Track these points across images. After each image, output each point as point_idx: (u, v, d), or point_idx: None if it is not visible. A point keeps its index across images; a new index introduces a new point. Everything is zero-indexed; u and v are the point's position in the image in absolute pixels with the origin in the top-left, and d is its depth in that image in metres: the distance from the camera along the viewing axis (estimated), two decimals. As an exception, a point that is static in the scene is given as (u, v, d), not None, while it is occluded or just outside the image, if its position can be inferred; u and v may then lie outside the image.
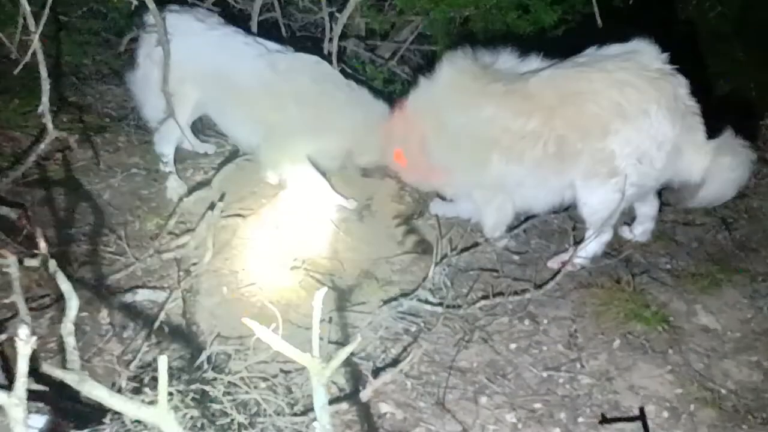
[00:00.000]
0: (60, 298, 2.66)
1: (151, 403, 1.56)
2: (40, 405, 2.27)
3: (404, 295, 3.05)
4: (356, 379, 2.67)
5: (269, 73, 3.47)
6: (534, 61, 3.19)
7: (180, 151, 3.84)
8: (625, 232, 3.48)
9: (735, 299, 3.16)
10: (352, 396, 2.57)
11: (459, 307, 3.02)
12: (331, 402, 2.42)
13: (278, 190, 3.55)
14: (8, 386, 1.45)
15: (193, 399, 2.26)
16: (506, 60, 3.22)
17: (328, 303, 2.96)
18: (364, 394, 2.55)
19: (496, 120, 3.10)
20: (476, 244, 3.41)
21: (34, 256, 2.38)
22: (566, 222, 3.57)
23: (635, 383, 2.75)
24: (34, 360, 1.42)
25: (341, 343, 2.78)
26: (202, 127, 4.05)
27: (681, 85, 3.05)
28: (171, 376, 2.30)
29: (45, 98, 2.95)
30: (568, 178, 3.12)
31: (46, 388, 2.36)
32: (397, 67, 4.31)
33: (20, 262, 2.32)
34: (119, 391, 2.32)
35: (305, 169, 3.53)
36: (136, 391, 2.33)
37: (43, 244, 2.32)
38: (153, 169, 3.73)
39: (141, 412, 1.51)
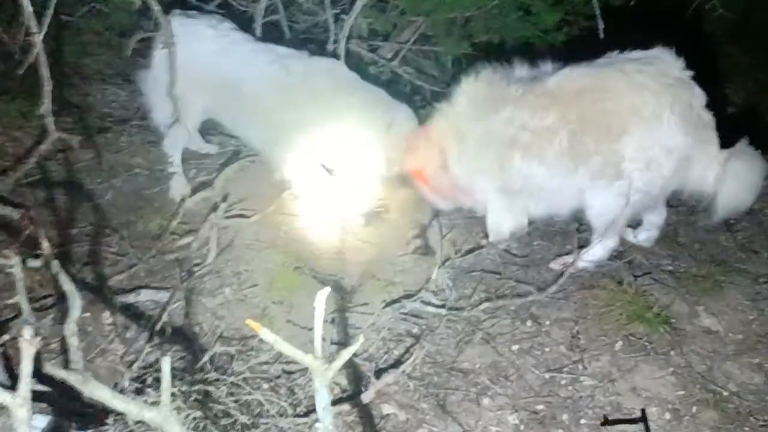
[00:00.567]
0: (62, 299, 2.67)
1: (154, 403, 1.56)
2: (43, 406, 2.27)
3: (407, 296, 3.05)
4: (358, 380, 2.67)
5: (285, 78, 3.43)
6: (548, 68, 3.20)
7: (183, 151, 3.84)
8: (629, 236, 3.48)
9: (737, 301, 3.16)
10: (354, 397, 2.57)
11: (462, 309, 3.02)
12: (334, 403, 2.42)
13: (281, 191, 3.54)
14: (11, 387, 1.46)
15: (195, 400, 2.26)
16: (521, 70, 3.24)
17: (331, 304, 2.96)
18: (367, 395, 2.55)
19: (514, 120, 3.11)
20: (479, 246, 3.41)
21: (37, 256, 2.39)
22: (569, 224, 3.56)
23: (637, 385, 2.74)
24: (37, 361, 1.41)
25: (343, 344, 2.78)
26: (204, 127, 4.04)
27: (697, 96, 3.03)
28: (174, 376, 2.29)
29: (46, 99, 2.95)
30: (579, 178, 3.12)
31: (49, 389, 2.36)
32: (399, 68, 4.31)
33: (23, 262, 2.32)
34: (122, 392, 2.32)
35: (319, 172, 3.49)
36: (139, 392, 2.34)
37: (46, 245, 2.33)
38: (155, 170, 3.74)
39: (144, 413, 1.51)
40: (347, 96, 3.45)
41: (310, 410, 2.45)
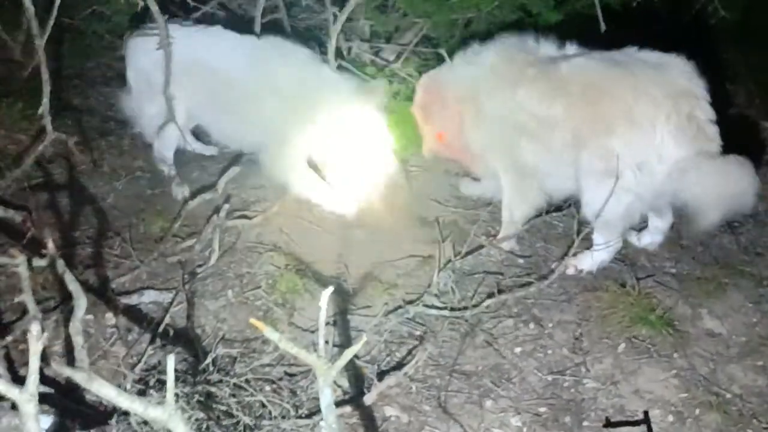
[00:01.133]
0: (65, 301, 2.68)
1: (158, 404, 1.55)
2: (46, 407, 2.27)
3: (410, 302, 3.04)
4: (361, 382, 2.67)
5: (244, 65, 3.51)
6: (572, 49, 3.26)
7: (184, 153, 3.84)
8: (632, 238, 3.47)
9: (740, 303, 3.15)
10: (356, 399, 2.57)
11: (464, 309, 3.01)
12: (336, 405, 2.41)
13: (283, 192, 3.53)
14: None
15: (198, 401, 2.26)
16: (546, 46, 3.29)
17: (333, 306, 2.96)
18: (369, 398, 2.55)
19: (524, 105, 3.19)
20: (480, 247, 3.40)
21: (42, 256, 2.39)
22: (571, 226, 3.55)
23: (640, 387, 2.74)
24: (41, 362, 1.42)
25: (345, 347, 2.76)
26: (204, 128, 4.05)
27: (701, 109, 2.99)
28: (176, 378, 2.30)
29: (46, 100, 2.97)
30: (577, 170, 3.14)
31: (52, 390, 2.36)
32: (401, 69, 4.31)
33: (29, 261, 2.32)
34: (124, 393, 2.32)
35: (302, 170, 3.47)
36: (141, 394, 2.34)
37: (50, 245, 2.33)
38: (157, 172, 3.74)
39: (149, 411, 1.50)
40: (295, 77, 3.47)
41: (313, 412, 2.45)
